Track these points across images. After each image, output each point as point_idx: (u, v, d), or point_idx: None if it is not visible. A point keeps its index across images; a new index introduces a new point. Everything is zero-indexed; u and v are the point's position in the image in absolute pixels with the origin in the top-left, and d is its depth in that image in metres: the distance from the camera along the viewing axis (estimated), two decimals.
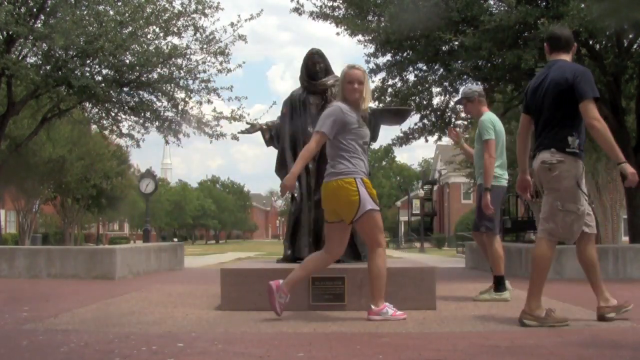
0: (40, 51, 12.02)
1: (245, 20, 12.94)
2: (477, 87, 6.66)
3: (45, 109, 14.53)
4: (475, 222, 5.97)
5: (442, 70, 11.58)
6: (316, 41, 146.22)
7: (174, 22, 12.37)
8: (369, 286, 4.58)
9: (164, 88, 12.85)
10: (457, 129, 7.70)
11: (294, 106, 5.88)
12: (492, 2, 10.77)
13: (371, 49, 11.84)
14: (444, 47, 10.85)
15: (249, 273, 5.21)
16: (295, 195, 5.74)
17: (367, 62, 12.03)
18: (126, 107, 13.39)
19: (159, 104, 13.28)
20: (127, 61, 12.30)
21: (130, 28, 11.73)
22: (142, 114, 13.34)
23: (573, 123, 4.35)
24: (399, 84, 12.42)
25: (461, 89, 6.41)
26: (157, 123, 13.44)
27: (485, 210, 5.68)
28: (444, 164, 46.60)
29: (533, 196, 7.87)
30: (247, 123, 9.90)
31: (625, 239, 21.22)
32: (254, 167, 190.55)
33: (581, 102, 4.26)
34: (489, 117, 6.00)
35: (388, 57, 11.75)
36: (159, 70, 12.63)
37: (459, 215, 43.90)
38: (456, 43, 10.21)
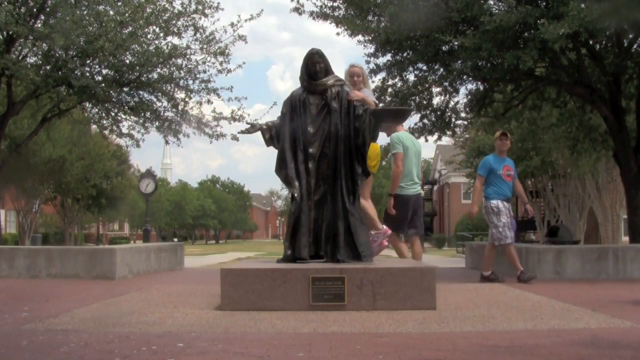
0: (40, 51, 12.01)
1: (245, 20, 12.93)
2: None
3: (45, 109, 14.52)
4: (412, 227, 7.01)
5: (442, 70, 11.57)
6: (316, 41, 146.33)
7: (174, 22, 12.36)
8: None
9: (164, 88, 12.84)
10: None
11: (294, 106, 5.88)
12: (492, 3, 10.77)
13: (371, 49, 11.84)
14: (444, 47, 10.85)
15: (249, 273, 5.21)
16: (295, 195, 5.74)
17: (367, 62, 12.03)
18: (126, 107, 13.38)
19: (159, 104, 13.27)
20: (127, 61, 12.29)
21: (130, 28, 11.72)
22: (142, 114, 13.32)
23: None
24: (399, 84, 12.42)
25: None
26: (157, 123, 13.42)
27: (389, 212, 6.76)
28: (444, 164, 46.64)
29: (533, 196, 8.28)
30: (247, 123, 9.88)
31: (625, 239, 21.23)
32: (254, 167, 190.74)
33: None
34: (398, 135, 7.01)
35: (388, 57, 11.75)
36: (159, 70, 12.61)
37: (459, 215, 43.91)
38: (456, 43, 10.21)
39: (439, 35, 9.86)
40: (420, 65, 11.82)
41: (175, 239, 54.96)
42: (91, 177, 26.64)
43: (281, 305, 4.97)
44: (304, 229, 5.68)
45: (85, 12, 11.63)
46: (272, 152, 6.05)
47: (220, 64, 12.92)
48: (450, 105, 12.96)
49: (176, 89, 12.98)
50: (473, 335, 3.95)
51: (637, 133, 11.91)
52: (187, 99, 13.14)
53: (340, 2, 11.53)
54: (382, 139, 14.73)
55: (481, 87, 12.27)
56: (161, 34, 12.52)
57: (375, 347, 3.58)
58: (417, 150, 7.17)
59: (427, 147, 43.42)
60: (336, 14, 11.60)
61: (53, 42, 10.72)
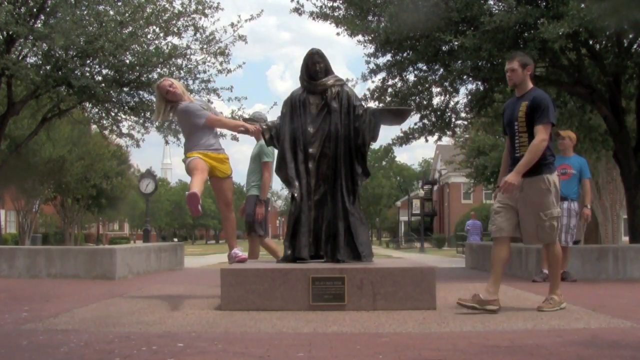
0: (40, 51, 12.01)
1: (246, 20, 12.95)
2: (259, 113, 7.60)
3: (45, 109, 14.53)
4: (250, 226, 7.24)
5: (442, 70, 11.58)
6: (316, 41, 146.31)
7: (174, 22, 12.37)
8: None
9: None
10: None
11: (294, 106, 5.88)
12: (492, 3, 10.77)
13: (371, 49, 11.84)
14: (444, 48, 10.85)
15: (249, 273, 5.20)
16: (295, 195, 5.74)
17: (367, 62, 12.04)
18: (126, 107, 13.38)
19: None
20: (127, 61, 12.30)
21: (130, 28, 11.73)
22: (142, 114, 13.33)
23: None
24: (399, 84, 12.42)
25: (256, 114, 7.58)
26: (157, 123, 13.44)
27: (259, 218, 7.08)
28: (444, 164, 46.65)
29: None
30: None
31: (625, 239, 21.24)
32: None
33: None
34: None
35: (388, 57, 11.76)
36: (159, 70, 12.62)
37: (459, 215, 43.90)
38: (456, 43, 10.21)
39: (439, 35, 9.86)
40: (420, 65, 11.82)
41: (175, 239, 54.97)
42: (91, 177, 26.66)
43: (281, 305, 4.97)
44: (304, 229, 5.68)
45: (85, 12, 11.64)
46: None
47: (220, 64, 12.94)
48: (450, 105, 12.96)
49: None
50: (473, 335, 3.95)
51: (637, 133, 11.91)
52: None
53: (340, 2, 11.53)
54: (382, 139, 14.67)
55: (481, 87, 12.26)
56: (161, 34, 12.53)
57: (375, 347, 3.58)
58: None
59: (427, 147, 43.50)
60: (336, 14, 11.61)
61: (53, 42, 10.72)
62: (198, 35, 12.66)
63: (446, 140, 25.31)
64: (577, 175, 7.94)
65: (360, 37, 11.68)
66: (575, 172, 7.93)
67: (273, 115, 6.75)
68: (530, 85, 5.07)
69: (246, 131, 6.03)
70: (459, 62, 10.70)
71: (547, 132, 4.87)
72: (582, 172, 7.98)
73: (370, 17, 11.33)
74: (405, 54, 11.41)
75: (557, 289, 5.11)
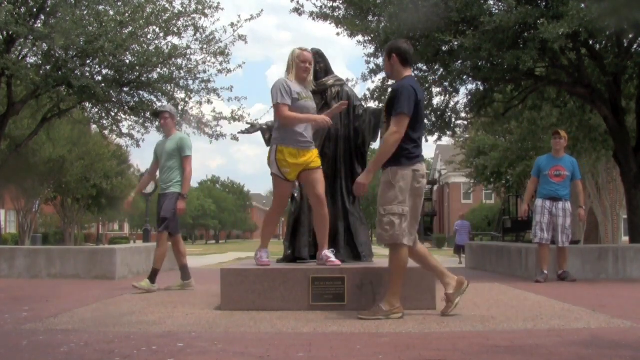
0: (40, 51, 12.01)
1: (245, 20, 12.95)
2: (168, 106, 7.51)
3: (45, 109, 14.52)
4: (164, 224, 6.76)
5: (442, 70, 11.58)
6: (316, 41, 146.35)
7: (174, 22, 12.36)
8: None
9: (164, 88, 12.85)
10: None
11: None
12: (492, 3, 10.77)
13: (371, 49, 11.85)
14: (443, 48, 10.85)
15: (249, 273, 5.21)
16: (295, 195, 5.74)
17: (367, 62, 12.04)
18: (126, 107, 13.38)
19: (159, 104, 13.28)
20: (127, 61, 12.30)
21: (130, 28, 11.72)
22: (142, 114, 13.33)
23: None
24: None
25: (165, 106, 7.21)
26: (157, 123, 13.43)
27: (180, 214, 6.68)
28: (444, 164, 46.62)
29: (533, 196, 8.24)
30: (247, 123, 9.90)
31: (625, 239, 21.23)
32: (254, 167, 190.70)
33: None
34: (187, 136, 7.12)
35: None
36: (159, 70, 12.62)
37: (459, 215, 43.88)
38: (456, 43, 10.21)
39: (439, 35, 9.86)
40: (420, 65, 11.82)
41: None
42: (91, 177, 26.65)
43: (281, 305, 4.97)
44: (303, 229, 5.69)
45: (85, 12, 11.63)
46: None
47: (220, 64, 12.94)
48: (450, 105, 12.97)
49: (176, 89, 12.99)
50: (473, 335, 3.95)
51: (637, 133, 11.91)
52: (187, 99, 13.16)
53: (340, 2, 11.53)
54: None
55: (481, 87, 12.27)
56: (161, 34, 12.53)
57: (375, 347, 3.58)
58: None
59: (427, 147, 43.50)
60: (336, 14, 11.61)
61: (53, 42, 10.72)
62: (198, 35, 12.67)
63: (446, 140, 25.35)
64: (570, 176, 8.03)
65: (360, 37, 11.69)
66: (568, 173, 8.01)
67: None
68: (404, 74, 4.63)
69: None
70: (459, 62, 10.70)
71: (400, 124, 4.40)
72: (574, 174, 8.07)
73: (370, 17, 11.33)
74: None
75: (393, 298, 4.54)
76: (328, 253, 5.18)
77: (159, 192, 7.05)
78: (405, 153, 4.46)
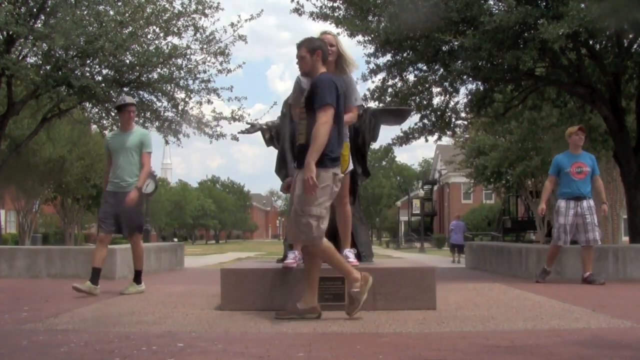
0: (40, 51, 12.00)
1: (246, 20, 12.94)
2: (129, 98, 6.96)
3: (45, 109, 14.52)
4: (138, 225, 6.96)
5: (442, 70, 11.57)
6: None
7: (174, 22, 12.36)
8: None
9: (164, 88, 12.84)
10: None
11: None
12: (491, 3, 10.76)
13: (371, 49, 11.83)
14: (443, 48, 10.84)
15: (249, 273, 5.21)
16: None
17: (367, 62, 12.03)
18: None
19: (159, 104, 13.28)
20: (127, 61, 12.29)
21: (130, 28, 11.71)
22: (142, 114, 13.33)
23: None
24: (399, 84, 12.41)
25: (125, 98, 6.84)
26: (157, 123, 13.43)
27: (130, 203, 6.56)
28: (444, 164, 46.61)
29: (533, 196, 8.10)
30: (247, 123, 9.91)
31: (625, 239, 21.23)
32: (254, 167, 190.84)
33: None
34: (148, 131, 6.99)
35: (388, 57, 11.75)
36: (159, 70, 12.61)
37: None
38: (456, 43, 10.21)
39: (439, 35, 9.86)
40: (420, 65, 11.81)
41: (175, 239, 54.96)
42: (91, 177, 26.61)
43: (281, 305, 4.97)
44: None
45: (85, 12, 11.63)
46: (272, 152, 6.05)
47: (220, 64, 12.93)
48: (450, 106, 12.96)
49: (176, 89, 12.98)
50: (473, 335, 3.95)
51: (637, 133, 11.91)
52: (187, 99, 13.15)
53: (340, 2, 11.53)
54: (382, 139, 14.69)
55: (481, 87, 12.26)
56: (161, 34, 12.52)
57: (375, 347, 3.58)
58: None
59: (427, 147, 43.51)
60: (336, 14, 11.60)
61: (53, 42, 10.71)
62: (198, 35, 12.66)
63: (446, 140, 25.31)
64: (591, 172, 7.83)
65: (360, 37, 11.67)
66: (589, 169, 7.81)
67: (273, 115, 6.73)
68: (321, 70, 4.65)
69: None
70: (459, 62, 10.70)
71: (327, 114, 4.36)
72: (594, 170, 7.90)
73: (370, 17, 11.32)
74: (405, 54, 11.40)
75: (310, 296, 4.59)
76: (348, 253, 5.16)
77: (112, 190, 6.65)
78: (329, 152, 4.41)
